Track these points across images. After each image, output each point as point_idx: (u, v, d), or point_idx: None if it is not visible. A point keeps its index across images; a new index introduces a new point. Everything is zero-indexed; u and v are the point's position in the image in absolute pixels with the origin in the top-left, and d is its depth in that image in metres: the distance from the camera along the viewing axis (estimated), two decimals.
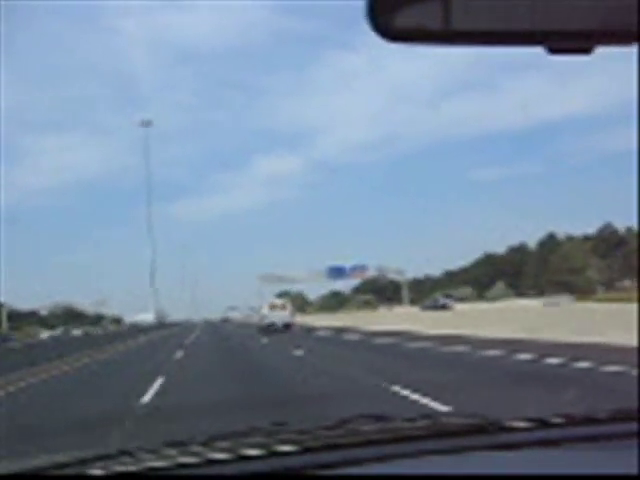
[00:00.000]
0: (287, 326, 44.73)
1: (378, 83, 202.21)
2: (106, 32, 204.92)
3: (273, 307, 46.86)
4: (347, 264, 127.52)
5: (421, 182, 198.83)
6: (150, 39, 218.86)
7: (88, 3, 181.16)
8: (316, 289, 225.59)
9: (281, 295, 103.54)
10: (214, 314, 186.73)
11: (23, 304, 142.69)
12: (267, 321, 45.30)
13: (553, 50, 0.86)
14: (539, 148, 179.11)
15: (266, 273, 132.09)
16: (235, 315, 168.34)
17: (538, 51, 0.86)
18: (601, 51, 0.86)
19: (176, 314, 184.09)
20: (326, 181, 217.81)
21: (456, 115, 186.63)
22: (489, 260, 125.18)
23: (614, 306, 44.69)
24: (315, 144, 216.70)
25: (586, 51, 0.87)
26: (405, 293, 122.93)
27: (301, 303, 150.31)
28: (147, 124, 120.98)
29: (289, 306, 48.20)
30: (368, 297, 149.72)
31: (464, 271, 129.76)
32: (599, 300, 56.37)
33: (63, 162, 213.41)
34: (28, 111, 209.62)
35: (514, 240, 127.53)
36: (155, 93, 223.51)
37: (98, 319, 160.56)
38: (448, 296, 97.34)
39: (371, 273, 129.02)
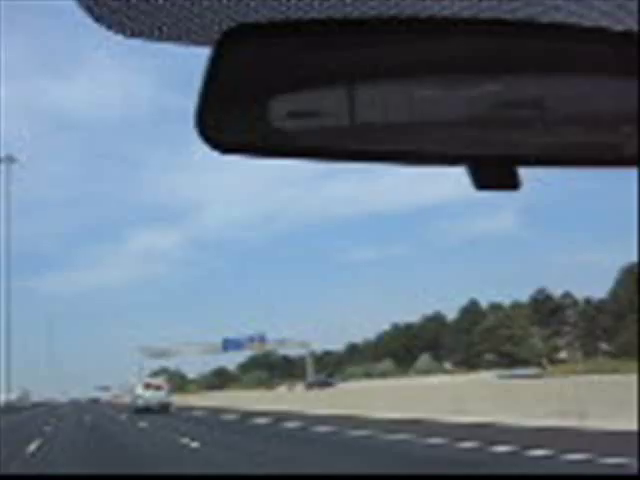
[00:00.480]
0: (164, 407, 41.80)
1: (258, 164, 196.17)
2: None
3: (148, 386, 43.74)
4: (241, 336, 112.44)
5: (304, 259, 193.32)
6: (25, 105, 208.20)
7: None
8: (196, 367, 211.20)
9: (157, 373, 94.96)
10: (84, 393, 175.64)
11: None
12: (141, 402, 42.02)
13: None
14: (412, 230, 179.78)
15: (148, 345, 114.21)
16: (106, 395, 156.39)
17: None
18: None
19: (41, 393, 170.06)
20: (207, 256, 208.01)
21: (334, 197, 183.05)
22: (400, 331, 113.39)
23: None
24: (193, 220, 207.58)
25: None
26: (310, 369, 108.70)
27: (180, 382, 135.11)
28: (10, 160, 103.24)
29: (165, 385, 44.87)
30: (262, 374, 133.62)
31: (375, 344, 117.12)
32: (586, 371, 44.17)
33: None
34: None
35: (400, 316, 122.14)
36: (29, 161, 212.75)
37: None
38: (330, 375, 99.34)
39: (271, 346, 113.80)
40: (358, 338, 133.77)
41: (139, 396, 42.44)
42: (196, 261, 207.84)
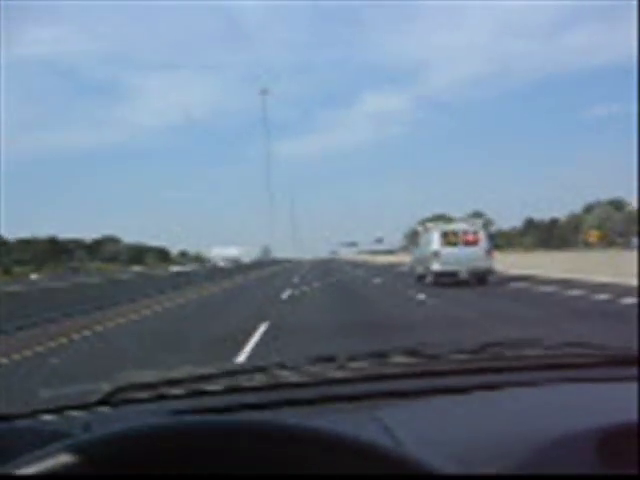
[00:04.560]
0: (481, 277, 23.54)
1: (490, 15, 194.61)
2: None
3: (451, 237, 24.02)
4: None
5: (537, 117, 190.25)
6: None
7: None
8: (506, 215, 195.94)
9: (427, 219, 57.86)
10: (323, 252, 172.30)
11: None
12: (437, 265, 23.67)
13: None
14: None
15: None
16: (350, 253, 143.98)
17: None
18: None
19: (283, 251, 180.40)
20: (437, 117, 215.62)
21: (571, 48, 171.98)
22: None
23: None
24: (423, 80, 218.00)
25: None
26: None
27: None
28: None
29: (483, 237, 24.19)
30: None
31: None
32: None
33: (171, 101, 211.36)
34: (137, 50, 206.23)
35: None
36: (262, 30, 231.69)
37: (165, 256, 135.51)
38: None
39: None
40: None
41: (436, 255, 23.74)
42: (425, 122, 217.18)
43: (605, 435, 0.98)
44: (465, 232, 24.05)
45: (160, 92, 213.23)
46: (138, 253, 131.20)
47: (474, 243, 23.67)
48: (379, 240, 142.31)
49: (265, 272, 58.06)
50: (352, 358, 1.59)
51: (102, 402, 1.37)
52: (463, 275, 23.32)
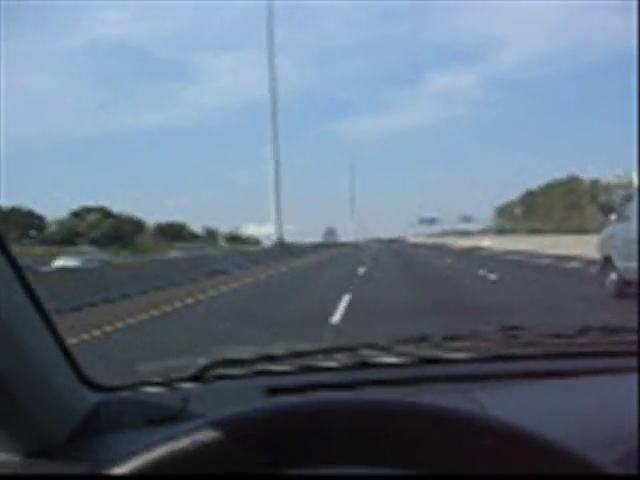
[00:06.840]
0: None
1: None
2: None
3: None
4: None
5: (616, 93, 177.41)
6: None
7: None
8: None
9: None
10: (389, 233, 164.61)
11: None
12: None
13: None
14: None
15: None
16: (421, 235, 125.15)
17: None
18: None
19: (347, 232, 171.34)
20: (507, 96, 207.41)
21: None
22: None
23: None
24: (492, 58, 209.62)
25: None
26: None
27: None
28: None
29: None
30: None
31: None
32: None
33: (234, 82, 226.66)
34: (203, 31, 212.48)
35: None
36: (328, 8, 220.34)
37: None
38: None
39: None
40: None
41: None
42: (495, 101, 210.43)
43: None
44: None
45: (224, 72, 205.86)
46: (118, 229, 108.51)
47: None
48: (467, 218, 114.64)
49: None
50: (447, 338, 1.56)
51: (199, 376, 1.43)
52: None
